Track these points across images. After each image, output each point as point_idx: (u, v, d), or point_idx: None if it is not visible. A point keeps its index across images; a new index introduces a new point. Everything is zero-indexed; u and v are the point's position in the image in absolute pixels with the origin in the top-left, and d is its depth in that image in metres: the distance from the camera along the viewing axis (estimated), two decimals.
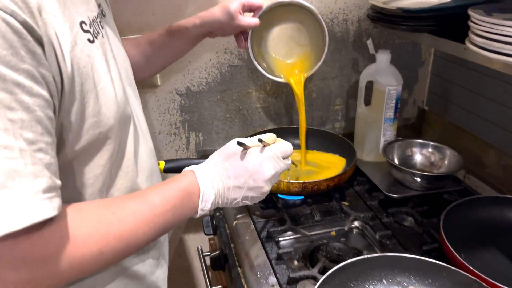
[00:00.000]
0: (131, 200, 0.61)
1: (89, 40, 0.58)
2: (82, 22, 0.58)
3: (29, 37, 0.46)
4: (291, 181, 1.05)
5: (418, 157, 1.22)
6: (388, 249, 0.96)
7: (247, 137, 0.78)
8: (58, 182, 0.50)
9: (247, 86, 1.30)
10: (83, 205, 0.58)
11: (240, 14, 0.96)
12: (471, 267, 0.78)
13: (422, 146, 1.22)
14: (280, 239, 1.01)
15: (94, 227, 0.55)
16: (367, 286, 0.81)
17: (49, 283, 0.52)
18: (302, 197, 1.14)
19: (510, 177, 1.13)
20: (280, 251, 0.96)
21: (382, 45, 1.34)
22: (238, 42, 1.04)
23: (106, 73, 0.61)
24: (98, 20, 0.64)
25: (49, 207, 0.48)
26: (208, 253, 1.20)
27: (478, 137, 1.23)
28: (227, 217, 1.13)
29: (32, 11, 0.47)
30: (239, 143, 0.71)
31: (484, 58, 0.86)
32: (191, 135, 1.32)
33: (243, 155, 0.71)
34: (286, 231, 1.03)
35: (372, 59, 1.23)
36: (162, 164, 1.02)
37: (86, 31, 0.58)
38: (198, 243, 1.40)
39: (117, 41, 0.75)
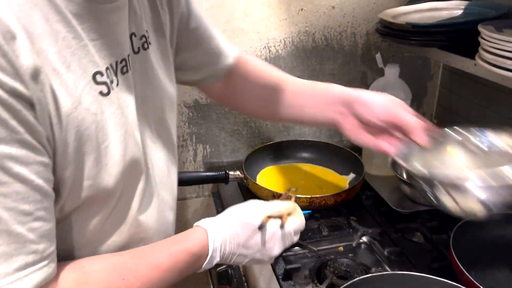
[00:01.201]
0: (141, 263, 0.59)
1: (101, 93, 0.53)
2: (96, 73, 0.52)
3: (19, 106, 0.43)
4: (298, 195, 1.04)
5: None
6: (396, 266, 0.94)
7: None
8: (50, 249, 0.49)
9: None
10: (90, 267, 0.56)
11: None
12: (481, 287, 0.77)
13: None
14: (287, 254, 1.00)
15: None
16: None
17: None
18: (310, 211, 1.14)
19: None
20: (288, 266, 0.95)
21: (391, 59, 1.34)
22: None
23: (117, 128, 0.55)
24: (121, 66, 0.58)
25: (24, 287, 0.46)
26: (215, 273, 1.20)
27: None
28: None
29: (22, 76, 0.43)
30: (260, 227, 0.69)
31: (494, 75, 0.85)
32: (198, 147, 1.32)
33: (259, 227, 0.70)
34: (293, 246, 1.02)
35: (380, 72, 1.23)
36: None
37: (100, 83, 0.53)
38: None
39: (159, 72, 0.69)
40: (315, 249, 1.01)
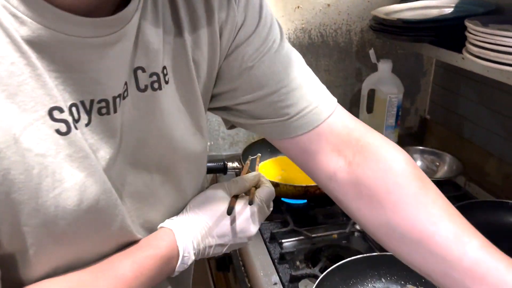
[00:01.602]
0: (101, 277, 0.53)
1: (58, 131, 0.45)
2: (54, 109, 0.44)
3: None
4: (294, 185, 1.08)
5: (418, 163, 1.25)
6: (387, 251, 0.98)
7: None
8: None
9: None
10: None
11: None
12: None
13: (423, 152, 1.25)
14: (283, 240, 1.04)
15: None
16: (366, 283, 0.84)
17: None
18: (305, 200, 1.18)
19: (509, 184, 1.16)
20: (283, 251, 0.99)
21: (385, 56, 1.38)
22: None
23: (74, 173, 0.47)
24: (98, 106, 0.49)
25: None
26: (213, 259, 1.24)
27: (479, 145, 1.26)
28: None
29: None
30: (229, 209, 0.63)
31: (480, 67, 0.89)
32: None
33: (228, 213, 0.63)
34: (289, 232, 1.06)
35: (374, 69, 1.27)
36: None
37: (58, 120, 0.45)
38: None
39: (174, 118, 0.58)
40: (310, 235, 1.05)
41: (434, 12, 1.17)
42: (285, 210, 1.14)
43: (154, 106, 0.55)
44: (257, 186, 0.70)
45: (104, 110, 0.49)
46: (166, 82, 0.56)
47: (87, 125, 0.48)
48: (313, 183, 1.10)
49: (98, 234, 0.52)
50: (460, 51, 0.97)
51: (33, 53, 0.42)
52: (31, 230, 0.45)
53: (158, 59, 0.54)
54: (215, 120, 1.34)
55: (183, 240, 0.60)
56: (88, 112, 0.48)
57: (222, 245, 0.64)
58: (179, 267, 0.60)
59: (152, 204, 0.60)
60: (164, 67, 0.55)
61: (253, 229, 0.66)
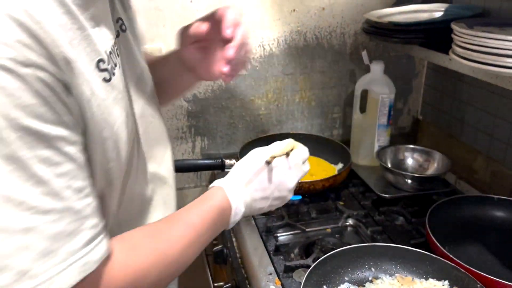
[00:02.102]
0: (175, 225, 0.64)
1: (105, 79, 0.54)
2: (99, 61, 0.54)
3: (60, 88, 0.46)
4: None
5: (409, 161, 1.29)
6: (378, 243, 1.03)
7: (259, 140, 0.80)
8: (102, 223, 0.52)
9: (250, 94, 1.39)
10: (132, 237, 0.59)
11: None
12: (451, 256, 0.85)
13: (413, 150, 1.30)
14: (278, 234, 1.08)
15: (149, 258, 0.58)
16: (356, 273, 0.88)
17: None
18: (300, 196, 1.22)
19: (497, 181, 1.20)
20: (278, 243, 1.04)
21: (378, 57, 1.42)
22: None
23: (121, 112, 0.58)
24: (116, 48, 0.60)
25: (91, 260, 0.49)
26: (211, 252, 1.27)
27: (468, 144, 1.30)
28: None
29: (59, 63, 0.46)
30: (266, 162, 0.74)
31: (466, 67, 0.94)
32: (197, 139, 1.40)
33: (268, 168, 0.74)
34: (284, 226, 1.11)
35: (368, 70, 1.32)
36: None
37: (103, 70, 0.54)
38: None
39: (136, 53, 0.71)
40: (304, 228, 1.09)
41: (424, 16, 1.22)
42: None
43: (128, 46, 0.67)
44: (292, 149, 0.78)
45: (118, 52, 0.60)
46: (126, 26, 0.67)
47: (115, 68, 0.57)
48: (307, 179, 1.14)
49: (131, 166, 0.64)
50: (447, 53, 1.01)
51: (80, 15, 0.51)
52: (111, 167, 0.56)
53: (116, 6, 0.66)
54: (213, 119, 1.39)
55: (232, 194, 0.70)
56: (115, 54, 0.58)
57: (265, 198, 0.74)
58: (233, 217, 0.71)
59: (157, 126, 0.75)
60: (120, 13, 0.67)
61: (292, 181, 0.76)
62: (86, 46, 0.51)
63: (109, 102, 0.55)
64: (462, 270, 0.82)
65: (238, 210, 0.71)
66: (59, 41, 0.46)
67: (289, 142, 0.79)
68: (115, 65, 0.57)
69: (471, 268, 0.82)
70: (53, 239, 0.46)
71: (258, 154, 0.76)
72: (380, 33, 1.16)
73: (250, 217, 1.14)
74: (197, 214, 0.66)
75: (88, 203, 0.49)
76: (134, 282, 0.55)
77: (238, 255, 1.05)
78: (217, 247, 1.15)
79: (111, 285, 0.53)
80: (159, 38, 1.26)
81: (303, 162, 0.79)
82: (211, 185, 0.73)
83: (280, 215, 1.14)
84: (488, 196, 1.08)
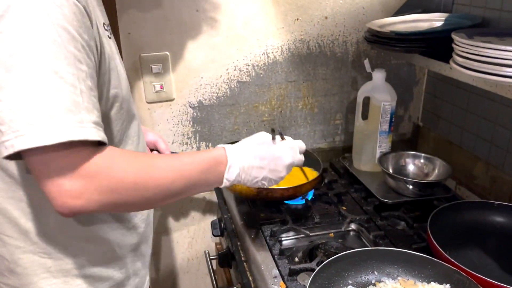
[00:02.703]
0: (165, 155, 0.76)
1: (108, 36, 0.74)
2: (103, 23, 0.74)
3: (86, 18, 0.63)
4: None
5: (410, 167, 1.32)
6: (380, 247, 1.05)
7: None
8: (102, 124, 0.64)
9: (254, 101, 1.42)
10: (121, 149, 0.72)
11: None
12: (453, 260, 0.88)
13: (415, 157, 1.32)
14: (282, 238, 1.10)
15: (132, 161, 0.67)
16: (359, 276, 0.90)
17: (96, 198, 0.62)
18: (304, 201, 1.24)
19: (496, 187, 1.22)
20: (283, 247, 1.06)
21: (379, 66, 1.46)
22: None
23: (120, 63, 0.78)
24: (109, 29, 0.78)
25: (99, 133, 0.61)
26: (215, 256, 1.29)
27: (468, 150, 1.32)
28: (234, 219, 1.22)
29: (88, 4, 0.65)
30: (272, 130, 0.86)
31: (466, 76, 0.96)
32: (201, 145, 1.43)
33: (269, 142, 0.84)
34: (288, 230, 1.13)
35: (369, 78, 1.34)
36: None
37: (106, 30, 0.74)
38: (205, 248, 1.50)
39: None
40: (308, 233, 1.12)
41: (425, 25, 1.25)
42: (284, 210, 1.20)
43: (115, 49, 0.79)
44: None
45: (110, 34, 0.78)
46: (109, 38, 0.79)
47: (110, 38, 0.76)
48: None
49: (130, 107, 0.81)
50: (448, 62, 1.04)
51: None
52: (115, 93, 0.73)
53: (104, 13, 0.79)
54: (218, 125, 1.41)
55: (231, 154, 0.79)
56: (110, 32, 0.78)
57: (262, 168, 0.82)
58: (227, 174, 0.78)
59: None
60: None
61: (287, 159, 0.84)
62: (97, 9, 0.71)
63: (113, 50, 0.75)
64: (463, 274, 0.84)
65: (233, 169, 0.78)
66: None
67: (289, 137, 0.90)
68: (111, 34, 0.77)
69: (472, 272, 0.84)
70: (74, 104, 0.59)
71: (262, 134, 0.86)
72: (382, 42, 1.19)
73: (254, 222, 1.17)
74: (188, 155, 0.76)
75: (94, 102, 0.63)
76: (116, 184, 0.64)
77: (243, 258, 1.07)
78: (222, 251, 1.17)
79: (96, 165, 0.62)
80: (165, 46, 1.29)
81: (300, 152, 0.88)
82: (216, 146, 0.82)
83: (284, 220, 1.16)
84: (488, 202, 1.10)
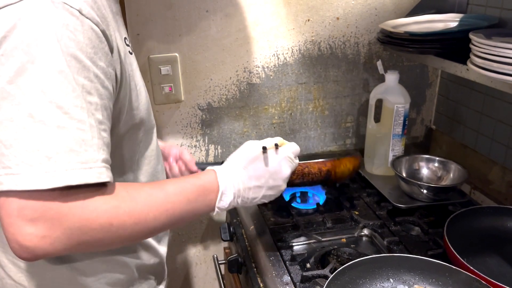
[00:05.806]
0: (147, 185, 0.67)
1: (129, 52, 0.72)
2: (125, 38, 0.71)
3: (105, 43, 0.60)
4: None
5: (424, 171, 1.29)
6: (395, 253, 1.02)
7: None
8: (110, 160, 0.60)
9: (264, 103, 1.39)
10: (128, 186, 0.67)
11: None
12: (471, 268, 0.85)
13: (428, 160, 1.29)
14: (294, 243, 1.08)
15: (109, 199, 0.60)
16: (374, 283, 0.87)
17: (63, 242, 0.56)
18: (315, 206, 1.21)
19: None
20: (294, 253, 1.03)
21: (392, 67, 1.43)
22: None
23: (140, 79, 0.76)
24: (128, 42, 0.75)
25: (107, 173, 0.58)
26: (223, 261, 1.27)
27: (483, 154, 1.29)
28: (244, 224, 1.20)
29: (108, 25, 0.61)
30: (263, 147, 0.79)
31: (484, 77, 0.94)
32: (210, 148, 1.41)
33: (262, 157, 0.78)
34: (299, 236, 1.10)
35: (381, 80, 1.32)
36: None
37: (127, 45, 0.71)
38: (214, 252, 1.47)
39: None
40: (320, 238, 1.09)
41: (440, 26, 1.22)
42: (295, 215, 1.18)
43: (135, 66, 0.77)
44: (281, 144, 0.83)
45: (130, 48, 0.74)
46: (131, 53, 0.76)
47: (131, 54, 0.74)
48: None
49: (150, 127, 0.80)
50: (464, 63, 1.01)
51: (113, 5, 0.69)
52: (134, 114, 0.70)
53: (123, 28, 0.76)
54: (227, 128, 1.39)
55: (223, 178, 0.73)
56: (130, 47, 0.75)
57: (259, 187, 0.77)
58: (218, 202, 0.72)
59: None
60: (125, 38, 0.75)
61: (286, 170, 0.79)
62: (119, 25, 0.69)
63: (133, 67, 0.72)
64: (483, 282, 0.81)
65: (225, 196, 0.73)
66: (105, 12, 0.62)
67: (279, 138, 0.84)
68: (132, 49, 0.74)
69: (492, 280, 0.81)
70: (79, 143, 0.55)
71: (252, 144, 0.80)
72: (396, 43, 1.16)
73: (265, 227, 1.14)
74: (174, 184, 0.70)
75: (105, 136, 0.59)
76: (107, 221, 0.59)
77: (253, 264, 1.05)
78: (231, 256, 1.15)
79: (62, 207, 0.55)
80: (175, 48, 1.27)
81: (294, 157, 0.83)
82: (207, 168, 0.78)
83: (295, 225, 1.14)
84: (506, 207, 1.07)
